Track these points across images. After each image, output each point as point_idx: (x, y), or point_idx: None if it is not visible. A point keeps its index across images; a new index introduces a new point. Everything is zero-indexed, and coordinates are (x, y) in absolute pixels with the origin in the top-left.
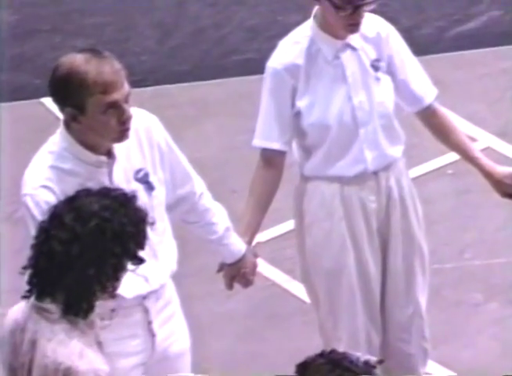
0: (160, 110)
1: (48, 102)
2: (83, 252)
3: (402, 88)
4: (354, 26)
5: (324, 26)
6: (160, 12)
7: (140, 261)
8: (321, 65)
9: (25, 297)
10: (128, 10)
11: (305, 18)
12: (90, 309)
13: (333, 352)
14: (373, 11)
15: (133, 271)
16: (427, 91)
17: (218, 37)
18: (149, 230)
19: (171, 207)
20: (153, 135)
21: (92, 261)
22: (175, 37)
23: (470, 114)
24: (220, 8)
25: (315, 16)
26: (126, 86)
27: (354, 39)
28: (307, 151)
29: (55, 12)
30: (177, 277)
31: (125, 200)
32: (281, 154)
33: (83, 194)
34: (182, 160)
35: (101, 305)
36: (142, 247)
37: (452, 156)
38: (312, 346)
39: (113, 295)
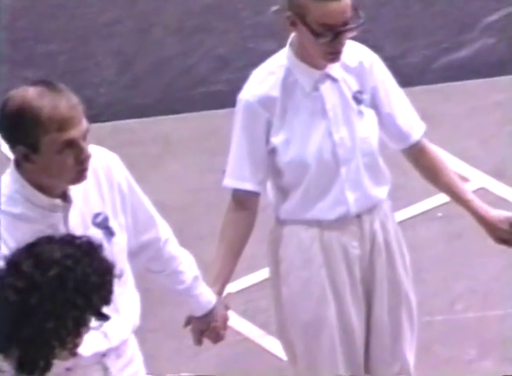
0: (120, 147)
1: None
2: (41, 303)
3: (386, 123)
4: (334, 54)
5: (301, 54)
6: (120, 39)
7: (105, 318)
8: (298, 97)
9: None
10: (85, 37)
11: (280, 46)
12: (47, 367)
13: None
14: (355, 38)
15: (96, 329)
16: (414, 126)
17: (183, 67)
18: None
19: (133, 255)
20: (113, 176)
21: (52, 313)
22: (137, 67)
23: (462, 151)
24: (185, 35)
25: (291, 44)
26: (84, 122)
27: (334, 69)
28: (283, 192)
29: (2, 38)
30: (140, 332)
31: (90, 249)
32: (254, 195)
33: (44, 241)
34: (145, 203)
35: (56, 364)
36: (107, 301)
37: (442, 197)
38: None
39: (73, 353)
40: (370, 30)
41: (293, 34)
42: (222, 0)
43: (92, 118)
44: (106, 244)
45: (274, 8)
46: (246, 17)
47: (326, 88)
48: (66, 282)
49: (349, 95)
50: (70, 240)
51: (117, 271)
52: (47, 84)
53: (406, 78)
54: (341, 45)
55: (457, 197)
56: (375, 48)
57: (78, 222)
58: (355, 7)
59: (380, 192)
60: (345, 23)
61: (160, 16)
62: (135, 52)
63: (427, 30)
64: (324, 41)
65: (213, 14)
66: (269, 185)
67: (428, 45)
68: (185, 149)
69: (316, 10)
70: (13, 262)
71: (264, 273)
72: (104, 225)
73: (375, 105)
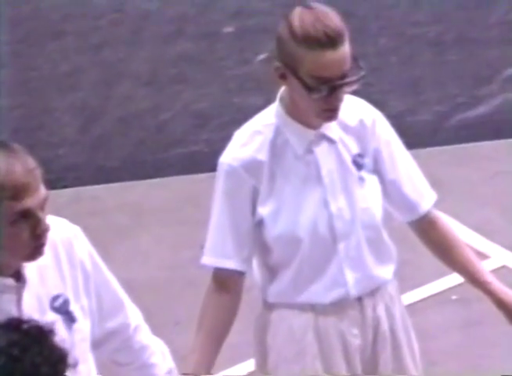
0: (82, 217)
1: None
2: None
3: (391, 192)
4: (330, 112)
5: (293, 111)
6: (82, 91)
7: None
8: (289, 161)
9: None
10: (42, 89)
11: (268, 101)
12: None
13: None
14: (355, 92)
15: None
16: (423, 195)
17: (156, 124)
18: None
19: (97, 344)
20: (74, 252)
21: None
22: (102, 124)
23: (480, 224)
24: (158, 87)
25: (281, 99)
26: (42, 189)
27: (331, 129)
28: (271, 271)
29: None
30: None
31: (40, 336)
32: (238, 275)
33: None
34: (111, 284)
35: None
36: None
37: (457, 278)
38: None
39: None
40: (373, 84)
41: (283, 88)
42: (201, 47)
43: (51, 184)
44: (65, 332)
45: (261, 56)
46: (228, 67)
47: (322, 150)
48: (13, 374)
49: (348, 159)
50: (16, 325)
51: (71, 360)
52: None
53: (415, 139)
54: (339, 100)
55: (474, 278)
56: (378, 103)
57: (34, 306)
58: (355, 56)
59: (385, 271)
60: (343, 76)
61: (129, 65)
62: (99, 107)
63: (438, 83)
64: (319, 96)
65: (190, 63)
66: (255, 263)
67: (440, 100)
68: (157, 219)
69: (309, 60)
70: None
71: (249, 365)
72: (64, 310)
73: (378, 170)
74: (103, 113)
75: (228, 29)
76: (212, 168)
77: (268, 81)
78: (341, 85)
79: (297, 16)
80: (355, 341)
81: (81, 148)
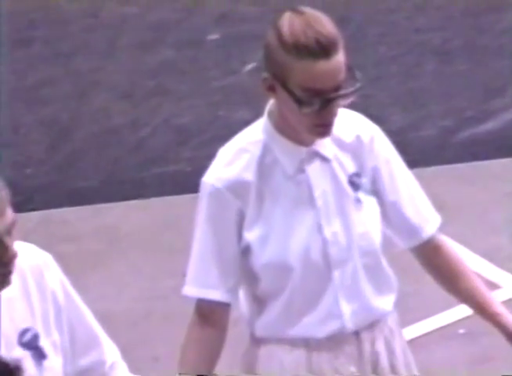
0: (53, 243)
1: None
2: None
3: (391, 215)
4: (324, 127)
5: (282, 127)
6: (52, 106)
7: None
8: (279, 181)
9: None
10: (7, 103)
11: (257, 115)
12: None
13: None
14: (351, 106)
15: None
16: (427, 218)
17: (133, 140)
18: None
19: None
20: (45, 281)
21: None
22: (74, 142)
23: (489, 250)
24: (137, 99)
25: (269, 113)
26: (9, 213)
27: (324, 146)
28: (259, 302)
29: None
30: None
31: (6, 373)
32: (223, 307)
33: None
34: (86, 316)
35: None
36: None
37: (464, 310)
38: None
39: None
40: (371, 96)
41: (271, 101)
42: (183, 55)
43: (18, 206)
44: (34, 369)
45: (249, 66)
46: (213, 78)
47: (315, 169)
48: None
49: (344, 179)
50: None
51: None
52: None
53: (418, 156)
54: (332, 115)
55: (482, 310)
56: (377, 118)
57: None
58: (351, 66)
59: (384, 302)
60: (337, 87)
61: (104, 75)
62: (71, 122)
63: (444, 95)
64: (310, 110)
65: (172, 73)
66: (242, 293)
67: (446, 114)
68: (135, 245)
69: (299, 71)
70: None
71: None
72: (33, 345)
73: (377, 191)
74: (75, 129)
75: (213, 36)
76: (195, 188)
77: (257, 94)
78: (335, 98)
79: (287, 21)
80: None
81: (50, 167)
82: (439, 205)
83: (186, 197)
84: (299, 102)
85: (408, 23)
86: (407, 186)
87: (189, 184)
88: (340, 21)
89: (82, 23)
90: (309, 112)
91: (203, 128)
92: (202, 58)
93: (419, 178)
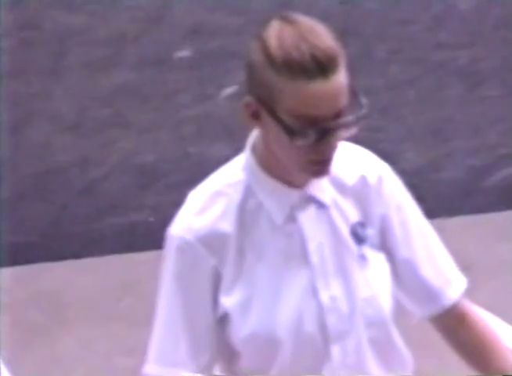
0: None
1: None
2: None
3: (405, 276)
4: (320, 165)
5: (269, 164)
6: None
7: None
8: (264, 233)
9: None
10: None
11: (236, 150)
12: None
13: None
14: (356, 139)
15: None
16: (449, 280)
17: (83, 183)
18: None
19: None
20: None
21: None
22: (8, 185)
23: None
24: (87, 132)
25: (253, 148)
26: None
27: (321, 188)
28: None
29: None
30: None
31: None
32: None
33: None
34: None
35: None
36: None
37: None
38: None
39: None
40: (381, 128)
41: (255, 132)
42: (146, 77)
43: None
44: None
45: (227, 90)
46: (183, 105)
47: (309, 218)
48: None
49: (345, 231)
50: None
51: None
52: None
53: (438, 204)
54: (331, 149)
55: None
56: (388, 155)
57: None
58: (355, 89)
59: None
60: (338, 115)
61: (46, 102)
62: (5, 161)
63: (471, 127)
64: (304, 142)
65: (131, 99)
66: (218, 371)
67: (474, 152)
68: (83, 315)
69: (291, 94)
70: None
71: None
72: None
73: (386, 245)
74: (10, 170)
75: (183, 53)
76: (159, 243)
77: (237, 124)
78: (335, 128)
79: (275, 32)
80: None
81: None
82: (465, 264)
83: (149, 255)
84: (290, 132)
85: (426, 38)
86: (424, 240)
87: (152, 238)
88: (343, 34)
89: (18, 37)
90: (303, 145)
91: (170, 168)
92: (168, 80)
93: (440, 230)
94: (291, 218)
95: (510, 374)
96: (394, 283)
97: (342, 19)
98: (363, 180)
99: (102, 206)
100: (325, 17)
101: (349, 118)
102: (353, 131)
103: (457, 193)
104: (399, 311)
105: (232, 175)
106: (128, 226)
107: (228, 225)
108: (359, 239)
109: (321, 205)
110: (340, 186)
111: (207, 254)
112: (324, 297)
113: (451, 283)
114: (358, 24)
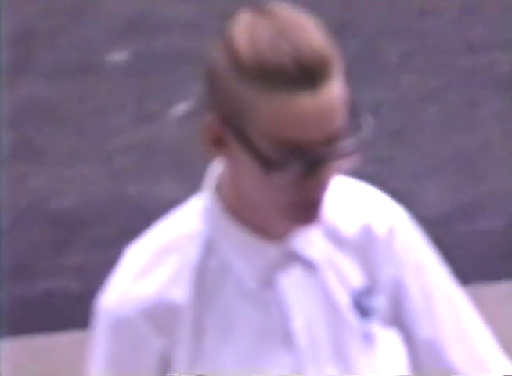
0: None
1: None
2: None
3: (427, 361)
4: (307, 208)
5: (238, 208)
6: None
7: None
8: (230, 301)
9: None
10: None
11: (190, 190)
12: None
13: None
14: (357, 173)
15: None
16: (487, 367)
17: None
18: None
19: None
20: None
21: None
22: None
23: None
24: None
25: (216, 187)
26: None
27: (310, 241)
28: None
29: None
30: None
31: None
32: None
33: None
34: None
35: None
36: None
37: None
38: None
39: None
40: (391, 158)
41: (218, 165)
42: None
43: None
44: None
45: (177, 109)
46: (118, 128)
47: (292, 282)
48: None
49: (344, 300)
50: None
51: None
52: None
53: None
54: (322, 187)
55: None
56: (402, 196)
57: None
58: (354, 105)
59: None
60: (330, 140)
61: None
62: None
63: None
64: (286, 178)
65: (45, 121)
66: None
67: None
68: None
69: (267, 111)
70: None
71: None
72: None
73: (401, 320)
74: None
75: (118, 55)
76: (83, 320)
77: (191, 154)
78: (327, 158)
79: (245, 29)
80: None
81: None
82: (509, 346)
83: (70, 337)
84: (266, 163)
85: (451, 39)
86: (454, 313)
87: (74, 312)
88: (340, 30)
89: None
90: (283, 181)
91: (98, 215)
92: (96, 94)
93: (475, 300)
94: (268, 282)
95: (510, 374)
96: (411, 371)
97: (338, 9)
98: (368, 230)
99: (6, 269)
100: (315, 6)
101: (347, 145)
102: (353, 162)
103: (497, 250)
104: None
105: (186, 224)
106: (41, 296)
107: (180, 293)
108: (364, 311)
109: (309, 264)
110: (337, 239)
111: (152, 332)
112: None
113: (489, 369)
114: (360, 16)
